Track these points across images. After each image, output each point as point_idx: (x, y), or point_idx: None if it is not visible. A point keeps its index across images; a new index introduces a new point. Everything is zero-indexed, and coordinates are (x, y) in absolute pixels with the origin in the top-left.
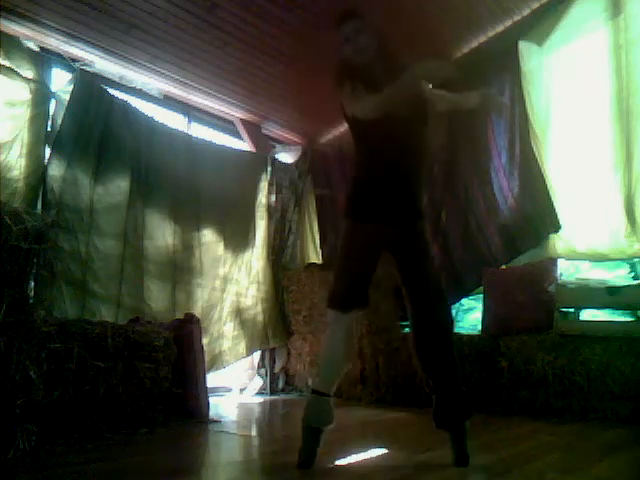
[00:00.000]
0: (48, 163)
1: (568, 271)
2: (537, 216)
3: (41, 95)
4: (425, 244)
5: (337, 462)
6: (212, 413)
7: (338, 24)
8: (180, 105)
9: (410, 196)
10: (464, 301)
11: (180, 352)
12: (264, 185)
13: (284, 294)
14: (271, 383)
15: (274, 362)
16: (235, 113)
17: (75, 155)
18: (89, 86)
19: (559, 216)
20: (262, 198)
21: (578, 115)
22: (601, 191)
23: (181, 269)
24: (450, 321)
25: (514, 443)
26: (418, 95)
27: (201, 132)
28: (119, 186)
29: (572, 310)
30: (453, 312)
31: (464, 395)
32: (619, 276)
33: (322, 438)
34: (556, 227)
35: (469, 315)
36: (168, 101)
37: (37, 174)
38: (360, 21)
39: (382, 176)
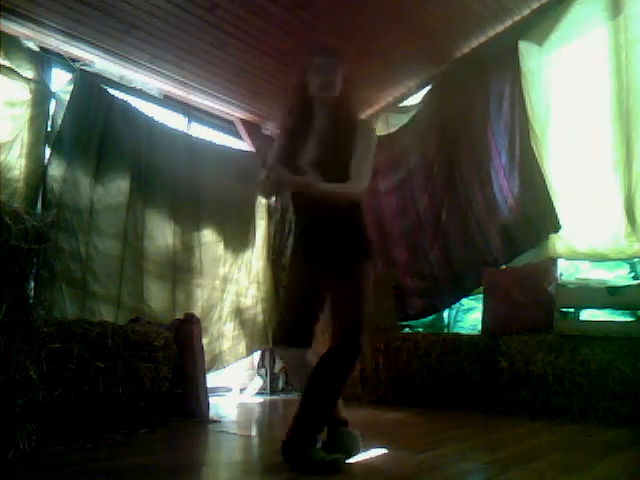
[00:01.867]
0: (48, 163)
1: (568, 271)
2: (537, 216)
3: (41, 95)
4: (352, 287)
5: None
6: (212, 413)
7: (317, 54)
8: (180, 105)
9: (344, 235)
10: (464, 301)
11: (180, 352)
12: None
13: (284, 294)
14: (271, 383)
15: (274, 362)
16: (235, 113)
17: (75, 155)
18: (89, 86)
19: (559, 216)
20: (262, 198)
21: (578, 115)
22: (601, 191)
23: (181, 269)
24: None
25: (514, 443)
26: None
27: (201, 132)
28: (119, 186)
29: (572, 310)
30: (453, 312)
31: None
32: (619, 276)
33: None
34: (556, 227)
35: (469, 315)
36: (168, 101)
37: (37, 174)
38: (337, 60)
39: (313, 215)
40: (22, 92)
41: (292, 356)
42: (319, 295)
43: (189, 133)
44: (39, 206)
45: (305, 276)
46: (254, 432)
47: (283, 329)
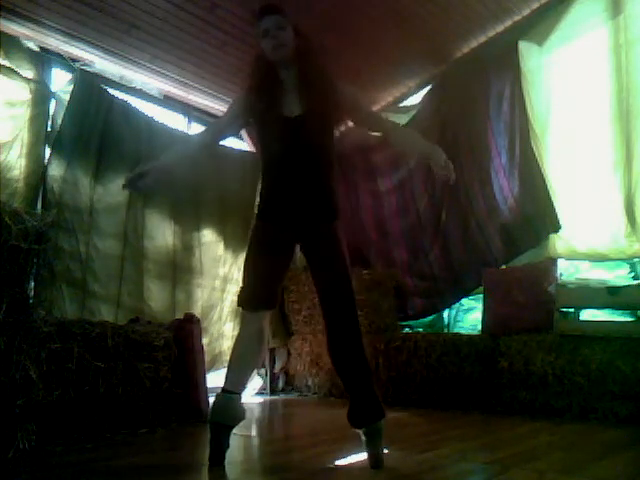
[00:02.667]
0: (48, 163)
1: (568, 271)
2: (537, 216)
3: (41, 95)
4: (334, 246)
5: (337, 462)
6: None
7: (258, 18)
8: (180, 105)
9: (316, 197)
10: (464, 301)
11: (180, 352)
12: None
13: (284, 294)
14: (271, 383)
15: (274, 362)
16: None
17: (75, 155)
18: (89, 86)
19: (559, 216)
20: None
21: (578, 115)
22: (601, 191)
23: (181, 269)
24: (354, 326)
25: (514, 443)
26: (329, 99)
27: None
28: (119, 186)
29: (572, 310)
30: (453, 312)
31: (375, 396)
32: (619, 276)
33: (230, 436)
34: (556, 227)
35: (469, 315)
36: (168, 101)
37: (37, 174)
38: (281, 17)
39: (284, 178)
40: (22, 92)
41: (257, 318)
42: (286, 258)
43: (189, 133)
44: (39, 206)
45: (274, 240)
46: (254, 432)
47: (250, 292)
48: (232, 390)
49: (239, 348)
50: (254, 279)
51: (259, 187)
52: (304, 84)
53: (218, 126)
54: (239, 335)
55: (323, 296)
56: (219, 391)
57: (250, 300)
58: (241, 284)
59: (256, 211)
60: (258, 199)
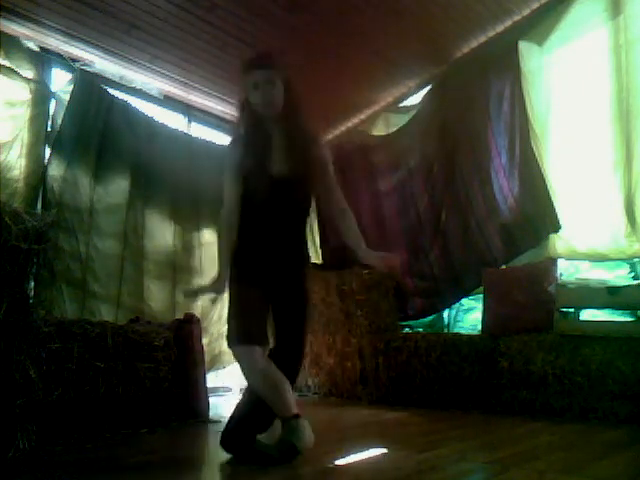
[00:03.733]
0: (48, 163)
1: (568, 271)
2: (537, 216)
3: (41, 95)
4: (300, 295)
5: (337, 462)
6: (212, 413)
7: (249, 68)
8: (180, 105)
9: (291, 254)
10: (464, 301)
11: (180, 352)
12: None
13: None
14: None
15: None
16: (235, 113)
17: (75, 155)
18: (89, 86)
19: (559, 216)
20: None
21: (578, 115)
22: (601, 191)
23: (181, 269)
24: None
25: (514, 443)
26: (310, 161)
27: (201, 132)
28: (119, 186)
29: (572, 310)
30: (453, 312)
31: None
32: (619, 276)
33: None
34: (556, 227)
35: (469, 315)
36: (168, 101)
37: (37, 174)
38: (272, 71)
39: (265, 236)
40: (22, 92)
41: (259, 354)
42: (267, 302)
43: (189, 133)
44: (39, 206)
45: (254, 288)
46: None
47: (244, 330)
48: (297, 413)
49: (263, 382)
50: (248, 319)
51: None
52: (292, 145)
53: (236, 194)
54: (253, 375)
55: (279, 335)
56: (290, 419)
57: (256, 335)
58: (235, 324)
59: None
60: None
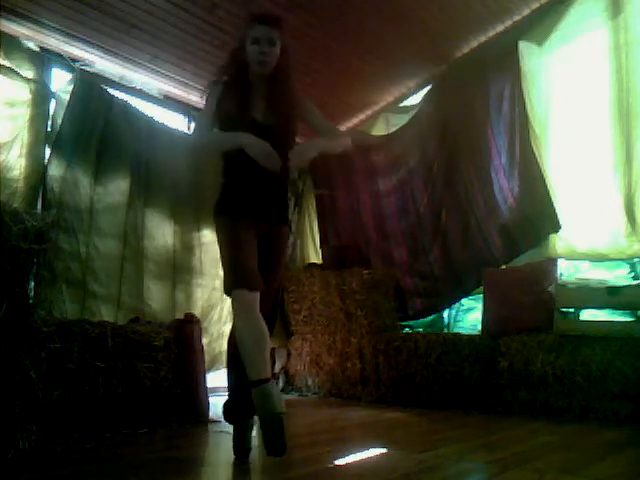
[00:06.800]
0: (48, 163)
1: (568, 271)
2: (537, 216)
3: (41, 95)
4: (281, 247)
5: (337, 462)
6: (212, 413)
7: (253, 21)
8: (180, 105)
9: (275, 200)
10: (464, 301)
11: (180, 352)
12: None
13: (284, 294)
14: None
15: (274, 362)
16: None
17: (75, 155)
18: (89, 86)
19: (559, 216)
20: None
21: (578, 115)
22: (601, 191)
23: (181, 269)
24: (272, 316)
25: (514, 443)
26: (294, 115)
27: None
28: (119, 186)
29: (572, 310)
30: (453, 312)
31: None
32: (619, 276)
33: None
34: (556, 227)
35: (469, 315)
36: (168, 101)
37: (37, 174)
38: (276, 32)
39: (249, 177)
40: (22, 92)
41: (255, 298)
42: (255, 245)
43: (189, 133)
44: (39, 206)
45: (244, 229)
46: (254, 432)
47: (241, 275)
48: (268, 377)
49: (251, 333)
50: (242, 260)
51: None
52: (275, 96)
53: (206, 124)
54: (243, 320)
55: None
56: (256, 385)
57: (245, 278)
58: (226, 270)
59: (215, 206)
60: (221, 200)
